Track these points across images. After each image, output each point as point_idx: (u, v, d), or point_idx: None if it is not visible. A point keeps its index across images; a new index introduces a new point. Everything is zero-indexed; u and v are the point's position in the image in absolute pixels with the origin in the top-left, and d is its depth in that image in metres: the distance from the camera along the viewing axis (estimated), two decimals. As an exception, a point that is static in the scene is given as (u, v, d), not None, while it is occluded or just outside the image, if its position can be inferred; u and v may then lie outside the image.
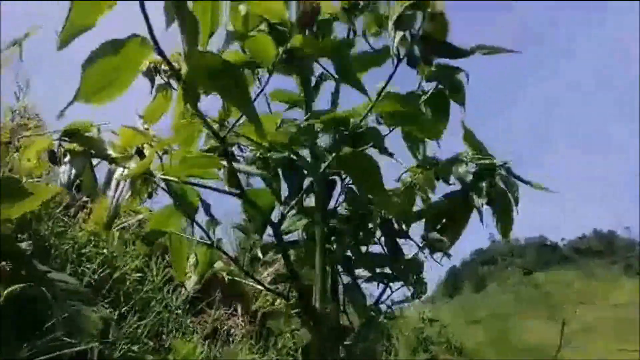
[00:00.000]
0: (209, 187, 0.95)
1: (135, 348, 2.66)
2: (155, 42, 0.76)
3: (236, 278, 1.21)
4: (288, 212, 0.94)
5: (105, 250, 3.19)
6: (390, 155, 1.17)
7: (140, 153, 0.96)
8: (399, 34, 0.90)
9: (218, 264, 1.16)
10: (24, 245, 1.68)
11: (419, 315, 5.91)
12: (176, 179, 0.93)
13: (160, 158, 0.95)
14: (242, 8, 0.84)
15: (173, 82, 1.02)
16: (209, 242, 1.06)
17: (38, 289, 1.52)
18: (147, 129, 0.95)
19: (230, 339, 3.79)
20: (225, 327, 3.99)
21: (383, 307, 1.16)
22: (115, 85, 0.79)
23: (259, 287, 1.14)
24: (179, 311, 3.56)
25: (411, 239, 1.11)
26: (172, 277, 3.87)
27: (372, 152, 1.10)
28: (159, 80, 0.99)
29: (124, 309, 2.96)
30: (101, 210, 0.93)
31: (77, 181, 0.92)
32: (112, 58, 0.76)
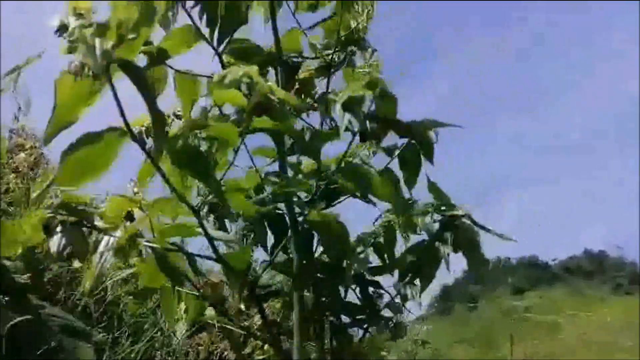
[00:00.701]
0: (190, 254, 1.04)
1: (128, 373, 2.72)
2: (131, 132, 0.86)
3: (226, 325, 1.30)
4: (265, 269, 1.04)
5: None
6: (370, 201, 1.28)
7: (130, 217, 1.06)
8: (347, 115, 1.00)
9: (208, 311, 1.25)
10: (23, 277, 1.75)
11: (411, 336, 5.95)
12: (158, 246, 1.03)
13: (151, 221, 1.05)
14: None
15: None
16: (197, 294, 1.15)
17: (33, 324, 1.59)
18: (137, 193, 1.05)
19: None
20: (219, 350, 4.03)
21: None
22: (91, 172, 0.89)
23: (246, 334, 1.23)
24: (172, 335, 3.62)
25: (382, 289, 1.21)
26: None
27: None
28: (150, 142, 1.05)
29: (117, 332, 3.02)
30: (89, 274, 1.03)
31: (69, 250, 1.01)
32: (90, 148, 0.85)
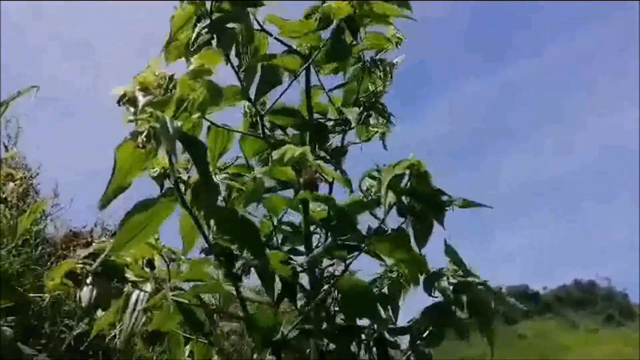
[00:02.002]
0: (215, 311, 1.00)
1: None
2: (183, 200, 0.90)
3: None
4: (289, 333, 0.99)
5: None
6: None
7: (151, 265, 1.02)
8: (390, 194, 1.03)
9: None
10: (7, 333, 1.67)
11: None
12: (186, 301, 1.00)
13: (168, 266, 1.01)
14: (262, 176, 0.99)
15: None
16: (205, 341, 1.10)
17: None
18: (157, 240, 1.02)
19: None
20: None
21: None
22: (143, 237, 0.92)
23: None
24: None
25: (401, 350, 1.16)
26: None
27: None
28: (167, 184, 1.06)
29: (104, 369, 2.92)
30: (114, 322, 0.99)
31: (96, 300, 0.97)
32: (145, 214, 0.88)
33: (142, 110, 0.80)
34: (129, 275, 1.02)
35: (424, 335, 1.14)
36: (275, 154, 0.98)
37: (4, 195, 3.78)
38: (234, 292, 0.97)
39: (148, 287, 0.99)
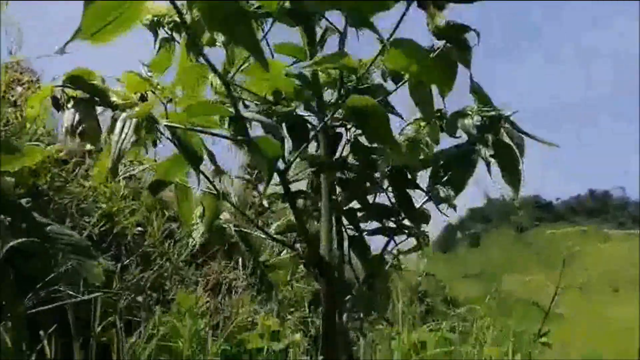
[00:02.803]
0: (216, 134, 0.93)
1: (139, 299, 2.72)
2: None
3: (243, 229, 1.22)
4: (294, 160, 0.94)
5: (104, 205, 3.21)
6: (396, 112, 1.17)
7: (143, 100, 0.95)
8: None
9: (224, 215, 1.17)
10: (23, 201, 1.67)
11: (416, 270, 6.03)
12: (181, 126, 0.92)
13: (165, 107, 0.95)
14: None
15: (176, 36, 1.02)
16: (214, 192, 1.06)
17: (38, 245, 1.53)
18: (151, 77, 0.94)
19: (232, 291, 3.87)
20: (227, 280, 4.07)
21: (388, 258, 1.17)
22: (118, 24, 0.77)
23: (265, 237, 1.16)
24: (181, 264, 3.63)
25: (420, 188, 1.10)
26: (172, 231, 3.92)
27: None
28: (162, 33, 0.97)
29: (126, 262, 3.01)
30: (106, 159, 0.93)
31: (81, 128, 0.91)
32: None
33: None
34: (115, 98, 0.94)
35: (444, 179, 1.08)
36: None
37: (12, 99, 3.73)
38: (233, 112, 0.89)
39: (137, 108, 0.91)
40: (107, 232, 3.08)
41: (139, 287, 2.94)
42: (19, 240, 1.49)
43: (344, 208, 1.12)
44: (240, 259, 4.55)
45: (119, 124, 0.86)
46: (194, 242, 1.12)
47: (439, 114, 1.17)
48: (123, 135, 0.85)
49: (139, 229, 3.43)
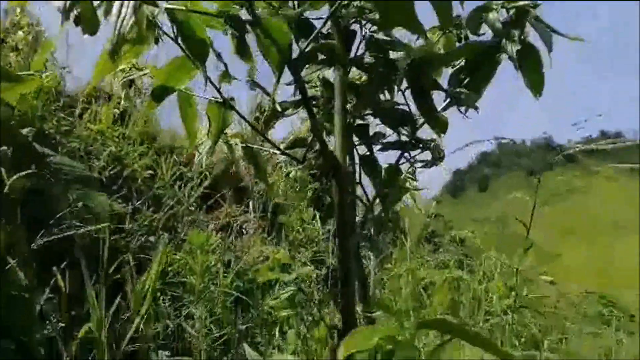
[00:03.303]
0: (218, 15, 0.85)
1: (151, 239, 2.73)
2: None
3: (249, 145, 1.17)
4: (306, 47, 0.86)
5: (112, 148, 3.18)
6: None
7: None
8: None
9: (233, 141, 1.11)
10: (24, 131, 1.62)
11: (425, 211, 6.04)
12: (182, 7, 0.84)
13: None
14: None
15: None
16: (220, 100, 0.99)
17: (44, 180, 1.50)
18: None
19: (243, 232, 3.90)
20: (238, 222, 4.09)
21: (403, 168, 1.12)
22: None
23: (274, 151, 1.10)
24: (192, 207, 3.63)
25: (441, 88, 1.03)
26: (182, 174, 3.91)
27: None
28: None
29: (137, 203, 3.00)
30: (104, 57, 0.87)
31: (76, 12, 0.84)
32: None
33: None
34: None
35: (466, 81, 1.00)
36: None
37: (13, 43, 3.64)
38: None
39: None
40: (117, 175, 3.06)
41: (151, 228, 2.94)
42: (23, 173, 1.46)
43: (355, 124, 1.06)
44: (250, 203, 4.56)
45: (116, 4, 0.79)
46: (201, 157, 1.07)
47: (457, 19, 1.08)
48: (122, 16, 0.78)
49: (149, 172, 3.41)
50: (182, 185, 3.60)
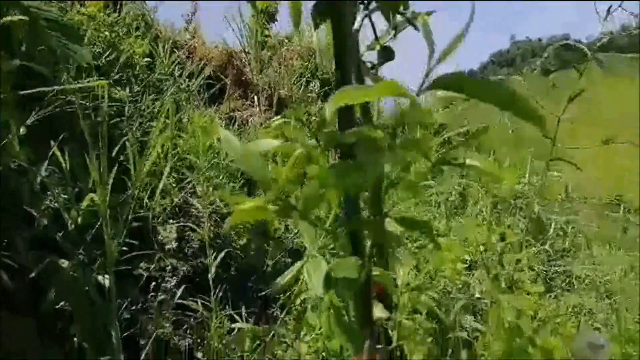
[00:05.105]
0: None
1: (153, 124, 2.66)
2: None
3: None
4: None
5: (107, 34, 3.02)
6: None
7: None
8: None
9: None
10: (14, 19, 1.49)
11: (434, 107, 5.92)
12: None
13: None
14: None
15: None
16: None
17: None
18: None
19: (248, 125, 3.83)
20: (244, 116, 4.01)
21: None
22: None
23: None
24: (194, 94, 3.54)
25: None
26: (181, 61, 3.76)
27: None
28: None
29: (136, 89, 2.91)
30: None
31: None
32: None
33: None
34: None
35: None
36: None
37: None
38: None
39: None
40: (114, 62, 2.93)
41: (152, 113, 2.87)
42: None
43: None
44: (256, 97, 4.45)
45: None
46: None
47: None
48: None
49: (148, 59, 3.28)
50: (182, 73, 3.48)
